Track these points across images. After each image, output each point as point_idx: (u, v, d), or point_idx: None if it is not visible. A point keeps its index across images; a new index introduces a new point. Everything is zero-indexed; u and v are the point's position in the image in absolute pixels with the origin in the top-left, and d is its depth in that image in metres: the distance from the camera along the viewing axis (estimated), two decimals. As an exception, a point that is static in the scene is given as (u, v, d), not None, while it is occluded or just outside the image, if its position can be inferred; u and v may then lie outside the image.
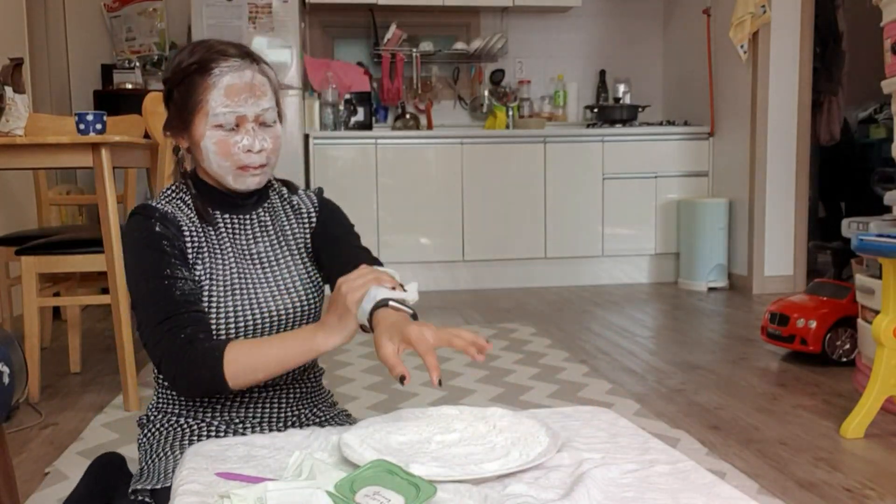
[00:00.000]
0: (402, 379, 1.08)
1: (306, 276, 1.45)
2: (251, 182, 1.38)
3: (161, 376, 1.38)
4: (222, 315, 1.34)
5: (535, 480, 0.93)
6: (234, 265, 1.38)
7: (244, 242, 1.42)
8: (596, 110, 5.37)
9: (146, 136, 2.90)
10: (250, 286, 1.38)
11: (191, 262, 1.34)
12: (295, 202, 1.51)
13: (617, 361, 3.21)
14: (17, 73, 2.59)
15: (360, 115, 5.10)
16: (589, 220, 5.06)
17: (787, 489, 1.94)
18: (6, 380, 1.82)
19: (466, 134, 5.01)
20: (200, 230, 1.38)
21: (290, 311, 1.40)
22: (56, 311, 3.96)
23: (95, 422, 2.49)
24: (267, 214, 1.47)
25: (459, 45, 5.39)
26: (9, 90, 2.57)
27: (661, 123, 5.33)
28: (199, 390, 1.23)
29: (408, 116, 5.32)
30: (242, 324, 1.35)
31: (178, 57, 1.37)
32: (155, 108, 2.73)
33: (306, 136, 4.82)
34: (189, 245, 1.35)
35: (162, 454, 1.32)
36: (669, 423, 2.43)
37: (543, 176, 5.01)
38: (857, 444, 2.25)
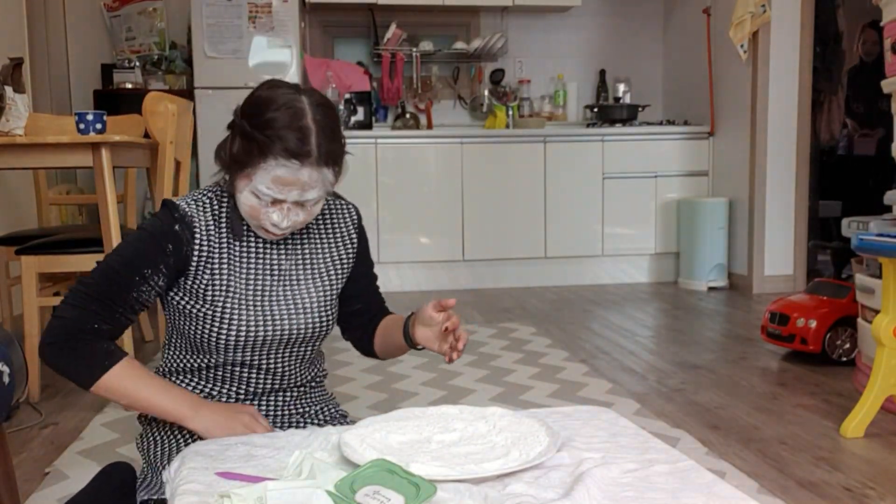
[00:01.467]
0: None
1: (325, 298, 1.47)
2: (271, 238, 1.39)
3: (48, 339, 1.32)
4: (234, 326, 1.35)
5: (535, 480, 0.93)
6: (254, 279, 1.39)
7: (272, 258, 1.42)
8: (596, 110, 5.37)
9: (146, 135, 2.90)
10: (266, 302, 1.39)
11: (193, 268, 1.34)
12: (336, 223, 1.52)
13: (617, 361, 3.21)
14: (17, 72, 2.59)
15: (359, 115, 5.10)
16: (589, 220, 5.06)
17: (787, 489, 1.94)
18: (6, 379, 1.82)
19: (466, 134, 5.01)
20: (221, 240, 1.37)
21: (301, 330, 1.43)
22: (56, 311, 3.96)
23: (95, 421, 2.49)
24: (303, 235, 1.48)
25: (459, 45, 5.39)
26: (9, 90, 2.57)
27: (660, 123, 5.33)
28: (64, 374, 1.27)
29: (408, 116, 5.32)
30: (252, 336, 1.37)
31: (264, 98, 1.30)
32: (155, 107, 2.73)
33: (306, 136, 4.82)
34: (197, 252, 1.34)
35: (167, 462, 1.32)
36: (669, 423, 2.43)
37: (543, 175, 5.01)
38: (857, 443, 2.25)
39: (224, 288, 1.35)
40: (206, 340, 1.37)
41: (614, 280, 5.17)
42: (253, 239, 1.40)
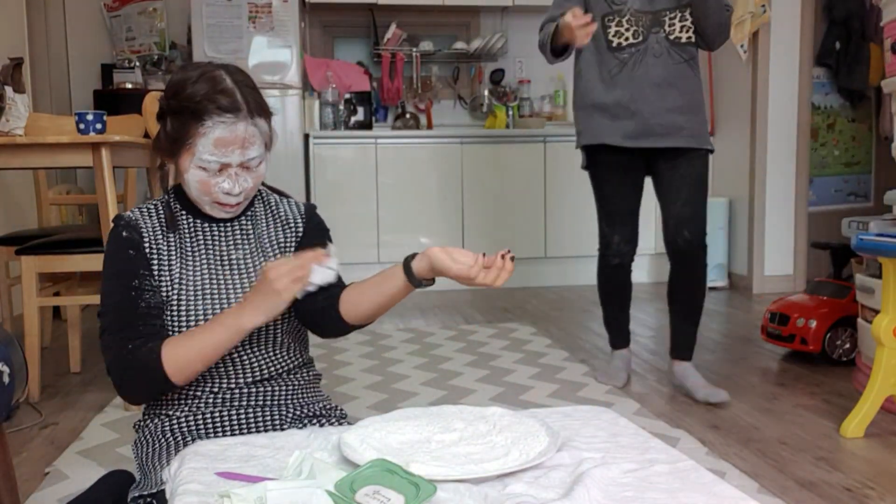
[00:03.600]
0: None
1: None
2: (225, 214, 1.42)
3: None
4: (192, 319, 1.36)
5: (535, 480, 0.93)
6: (206, 270, 1.41)
7: (222, 248, 1.44)
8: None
9: (146, 135, 2.90)
10: (223, 292, 1.40)
11: (155, 269, 1.38)
12: (282, 212, 1.53)
13: (617, 361, 3.21)
14: (17, 72, 2.59)
15: (360, 115, 5.10)
16: (589, 220, 5.04)
17: (787, 489, 1.94)
18: (6, 379, 1.82)
19: (466, 133, 5.01)
20: (168, 237, 1.41)
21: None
22: (56, 311, 3.97)
23: (95, 421, 2.49)
24: (249, 222, 1.49)
25: (459, 45, 5.39)
26: (9, 90, 2.57)
27: (661, 123, 5.32)
28: (144, 394, 1.35)
29: (408, 116, 5.32)
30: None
31: (180, 78, 1.39)
32: (155, 107, 2.72)
33: (306, 136, 4.82)
34: (148, 251, 1.38)
35: (158, 464, 1.32)
36: (669, 423, 2.43)
37: (543, 175, 5.01)
38: (856, 443, 2.25)
39: (177, 282, 1.38)
40: (173, 334, 1.38)
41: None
42: (200, 232, 1.43)
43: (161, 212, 1.44)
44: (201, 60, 1.40)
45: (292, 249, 1.51)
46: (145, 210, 1.44)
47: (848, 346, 3.06)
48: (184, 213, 1.46)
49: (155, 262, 1.38)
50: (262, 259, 1.47)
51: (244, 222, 1.48)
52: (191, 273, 1.40)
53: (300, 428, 1.29)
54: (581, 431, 1.12)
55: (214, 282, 1.41)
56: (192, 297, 1.38)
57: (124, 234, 1.38)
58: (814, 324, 3.03)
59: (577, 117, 2.82)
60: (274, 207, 1.54)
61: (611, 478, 0.94)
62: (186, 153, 1.36)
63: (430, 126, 5.37)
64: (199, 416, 1.38)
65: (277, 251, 1.49)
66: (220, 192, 1.37)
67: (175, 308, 1.37)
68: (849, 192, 5.08)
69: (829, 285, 3.20)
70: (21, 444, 2.30)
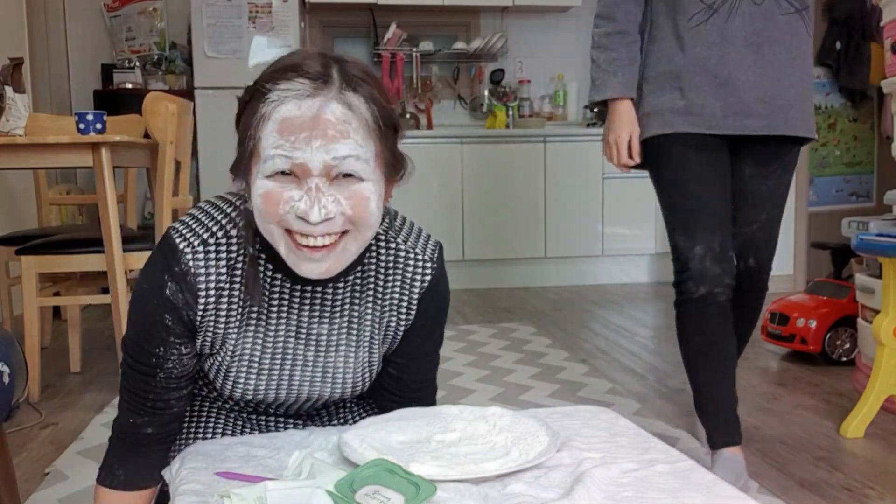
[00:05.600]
0: None
1: (365, 366, 1.17)
2: (309, 270, 0.98)
3: None
4: (248, 390, 1.13)
5: (536, 480, 0.93)
6: (272, 344, 1.10)
7: (304, 319, 1.10)
8: (596, 110, 5.37)
9: (146, 135, 2.90)
10: (287, 368, 1.12)
11: (199, 337, 1.08)
12: (398, 278, 1.14)
13: (617, 361, 3.21)
14: (17, 72, 2.59)
15: (360, 115, 5.10)
16: (589, 220, 5.06)
17: (787, 489, 1.94)
18: (6, 379, 1.82)
19: (466, 133, 5.01)
20: (232, 296, 1.06)
21: (326, 395, 1.17)
22: (56, 311, 3.96)
23: (95, 421, 2.49)
24: (352, 288, 1.12)
25: (459, 45, 5.39)
26: (9, 90, 2.57)
27: (661, 123, 5.32)
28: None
29: (408, 116, 5.32)
30: (266, 397, 1.15)
31: (275, 62, 1.01)
32: (155, 107, 2.73)
33: (306, 136, 4.82)
34: (201, 315, 1.06)
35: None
36: (669, 423, 2.43)
37: (543, 175, 5.01)
38: (857, 443, 2.25)
39: (231, 354, 1.09)
40: (216, 388, 1.17)
41: (614, 280, 5.17)
42: (276, 298, 1.08)
43: (238, 263, 1.05)
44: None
45: (392, 334, 1.16)
46: (213, 247, 1.04)
47: (848, 346, 3.06)
48: (262, 259, 1.06)
49: (201, 324, 1.06)
50: (349, 339, 1.13)
51: (341, 291, 1.11)
52: (252, 344, 1.09)
53: (300, 428, 1.27)
54: (581, 431, 1.11)
55: (280, 356, 1.11)
56: (245, 371, 1.10)
57: (169, 290, 1.03)
58: (814, 324, 3.03)
59: (642, 94, 1.98)
60: (389, 266, 1.14)
61: (611, 478, 0.94)
62: (254, 158, 0.97)
63: (430, 126, 5.37)
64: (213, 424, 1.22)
65: (373, 332, 1.14)
66: (293, 216, 0.95)
67: (225, 374, 1.11)
68: (850, 192, 5.08)
69: (829, 285, 3.20)
70: (21, 444, 2.30)
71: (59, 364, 3.20)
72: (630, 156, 1.98)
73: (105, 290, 2.88)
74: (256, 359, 1.10)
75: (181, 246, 1.03)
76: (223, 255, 1.04)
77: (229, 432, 1.21)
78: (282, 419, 1.23)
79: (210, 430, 1.21)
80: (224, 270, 1.04)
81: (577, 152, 5.01)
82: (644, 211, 5.08)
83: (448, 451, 1.01)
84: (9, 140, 2.48)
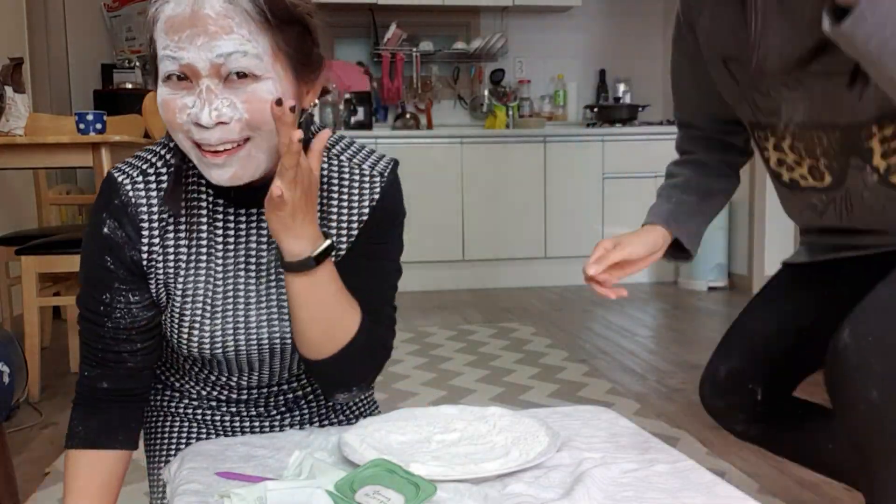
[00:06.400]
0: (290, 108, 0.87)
1: None
2: (220, 177, 0.95)
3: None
4: (206, 338, 1.07)
5: (536, 480, 0.93)
6: (222, 279, 1.06)
7: (251, 248, 1.06)
8: (596, 110, 5.37)
9: (146, 135, 2.90)
10: (241, 306, 1.07)
11: (151, 276, 1.04)
12: (344, 196, 1.09)
13: (617, 361, 3.21)
14: (17, 72, 2.60)
15: (360, 115, 5.10)
16: (589, 220, 5.06)
17: (787, 489, 1.94)
18: (6, 379, 1.82)
19: (466, 133, 5.01)
20: (178, 229, 1.04)
21: (289, 338, 1.09)
22: (56, 311, 3.96)
23: (95, 421, 2.49)
24: None
25: (459, 45, 5.39)
26: (9, 90, 2.57)
27: (661, 123, 5.32)
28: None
29: (408, 116, 5.32)
30: (227, 349, 1.08)
31: None
32: (155, 107, 2.73)
33: (306, 136, 4.82)
34: (147, 254, 1.03)
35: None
36: (669, 423, 2.43)
37: (543, 175, 5.00)
38: (857, 443, 2.25)
39: (180, 291, 1.05)
40: (176, 347, 1.10)
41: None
42: (219, 224, 1.05)
43: (166, 178, 1.03)
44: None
45: (341, 253, 1.09)
46: (153, 175, 1.03)
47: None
48: (203, 185, 1.04)
49: (147, 261, 1.03)
50: None
51: None
52: (203, 281, 1.05)
53: (300, 428, 1.26)
54: (581, 431, 1.11)
55: (232, 293, 1.06)
56: (199, 313, 1.05)
57: (107, 228, 1.01)
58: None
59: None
60: (334, 183, 1.08)
61: (611, 478, 0.94)
62: (154, 65, 0.98)
63: (430, 126, 5.37)
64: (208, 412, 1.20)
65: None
66: (191, 123, 0.92)
67: (178, 321, 1.06)
68: None
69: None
70: (21, 444, 2.30)
71: (59, 364, 3.19)
72: (597, 262, 1.41)
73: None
74: (209, 298, 1.05)
75: (119, 178, 1.03)
76: (164, 186, 1.03)
77: (204, 433, 1.18)
78: (253, 408, 1.19)
79: (184, 432, 1.19)
80: (158, 198, 1.03)
81: (577, 152, 5.01)
82: (644, 211, 5.05)
83: (448, 451, 1.01)
84: (9, 140, 2.48)
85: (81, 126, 2.54)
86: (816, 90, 1.14)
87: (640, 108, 5.28)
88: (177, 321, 1.06)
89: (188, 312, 1.06)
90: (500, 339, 3.59)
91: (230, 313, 1.07)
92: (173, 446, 1.21)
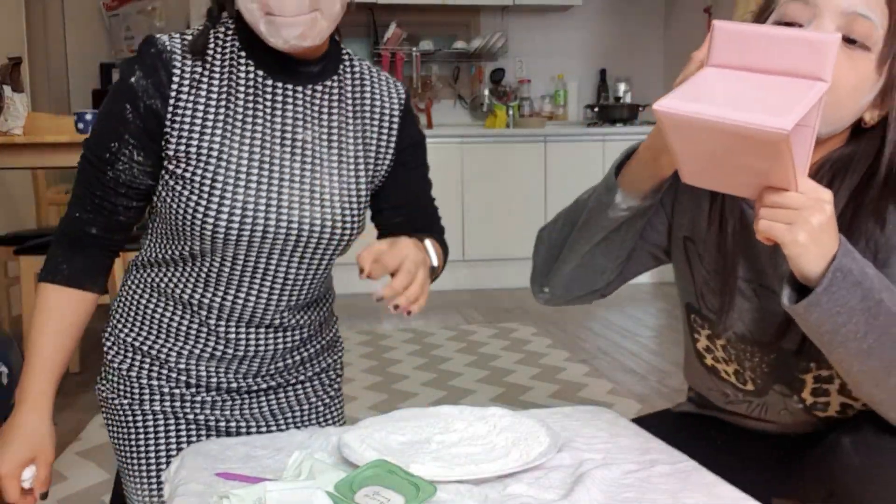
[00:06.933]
0: (361, 271, 0.94)
1: (352, 190, 1.13)
2: (288, 35, 1.00)
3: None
4: (237, 209, 1.04)
5: (536, 481, 0.93)
6: (259, 148, 1.06)
7: (287, 122, 1.09)
8: (596, 109, 5.37)
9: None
10: (275, 183, 1.07)
11: (168, 126, 1.04)
12: (376, 91, 1.17)
13: (618, 361, 3.21)
14: (16, 72, 2.59)
15: (359, 115, 5.10)
16: (589, 220, 5.06)
17: (788, 489, 1.94)
18: (5, 380, 1.82)
19: (466, 133, 5.01)
20: (216, 88, 1.06)
21: (318, 227, 1.10)
22: (55, 311, 3.96)
23: (94, 422, 2.48)
24: (330, 94, 1.12)
25: (459, 45, 5.39)
26: (7, 89, 2.57)
27: (661, 123, 5.32)
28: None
29: (408, 116, 5.32)
30: (253, 228, 1.06)
31: None
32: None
33: (306, 136, 4.82)
34: (173, 103, 1.04)
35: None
36: (670, 423, 2.42)
37: (544, 175, 5.00)
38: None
39: (215, 154, 1.04)
40: (191, 227, 1.06)
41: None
42: (261, 91, 1.08)
43: (222, 62, 1.07)
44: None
45: (389, 158, 1.17)
46: (195, 40, 1.07)
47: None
48: (243, 56, 1.08)
49: (171, 116, 1.03)
50: (334, 149, 1.12)
51: (324, 92, 1.11)
52: (237, 146, 1.05)
53: (298, 427, 1.26)
54: (581, 432, 1.11)
55: (267, 166, 1.06)
56: (232, 182, 1.04)
57: (135, 77, 1.03)
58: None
59: None
60: (368, 79, 1.17)
61: (612, 479, 0.93)
62: None
63: (430, 126, 5.37)
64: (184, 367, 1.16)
65: (356, 146, 1.13)
66: None
67: (207, 190, 1.03)
68: None
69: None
70: (20, 445, 2.30)
71: (58, 364, 3.19)
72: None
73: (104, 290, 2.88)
74: (244, 166, 1.05)
75: (157, 35, 1.07)
76: (208, 51, 1.07)
77: (194, 349, 1.15)
78: (242, 328, 1.15)
79: (175, 346, 1.15)
80: (204, 62, 1.06)
81: (577, 152, 5.01)
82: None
83: (448, 452, 1.00)
84: (7, 140, 2.48)
85: (80, 125, 2.53)
86: (770, 308, 1.06)
87: (640, 108, 5.27)
88: (206, 186, 1.04)
89: (220, 177, 1.04)
90: (501, 340, 3.58)
91: (264, 186, 1.06)
92: (151, 449, 1.17)
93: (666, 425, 1.21)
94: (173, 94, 1.03)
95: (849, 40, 0.91)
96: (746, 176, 0.84)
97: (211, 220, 1.04)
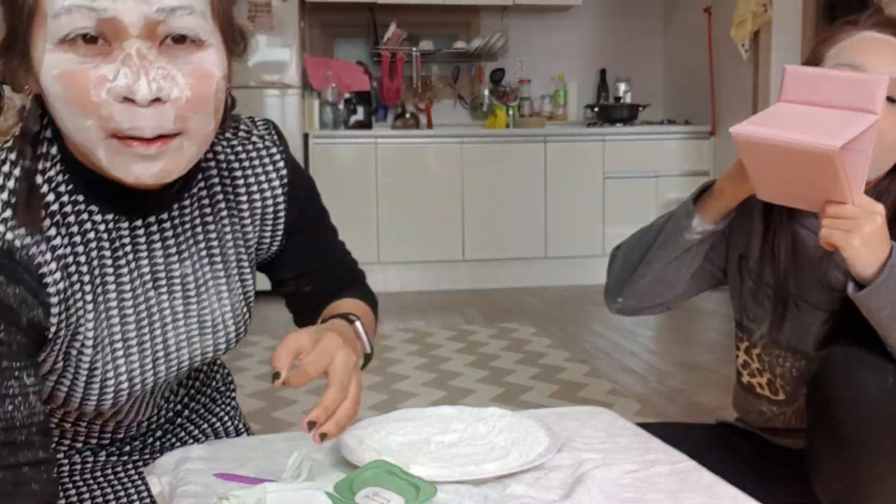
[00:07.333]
0: (275, 375, 0.78)
1: (241, 299, 0.97)
2: (142, 172, 0.73)
3: None
4: (123, 384, 0.87)
5: (536, 481, 0.93)
6: (132, 309, 0.86)
7: (157, 262, 0.87)
8: (596, 109, 5.36)
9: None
10: (158, 335, 0.89)
11: (60, 329, 0.80)
12: (251, 180, 0.94)
13: (618, 361, 3.21)
14: (16, 72, 2.59)
15: (359, 115, 5.10)
16: (589, 220, 5.06)
17: (788, 489, 1.94)
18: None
19: (466, 133, 5.01)
20: (73, 254, 0.80)
21: (210, 352, 0.96)
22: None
23: (95, 422, 2.48)
24: (200, 208, 0.90)
25: (459, 45, 5.38)
26: (7, 89, 2.56)
27: (661, 122, 5.32)
28: None
29: (408, 116, 5.32)
30: (143, 387, 0.91)
31: None
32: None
33: (305, 136, 4.82)
34: (56, 298, 0.78)
35: None
36: (670, 423, 2.42)
37: (544, 175, 5.00)
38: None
39: (90, 342, 0.83)
40: (72, 406, 0.88)
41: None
42: (118, 243, 0.84)
43: (64, 218, 0.80)
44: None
45: (262, 246, 0.97)
46: (31, 200, 0.77)
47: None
48: (81, 201, 0.80)
49: (62, 320, 0.79)
50: (216, 268, 0.92)
51: (191, 210, 0.89)
52: (107, 318, 0.84)
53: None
54: (580, 432, 1.11)
55: (146, 321, 0.87)
56: (110, 355, 0.85)
57: (4, 291, 0.74)
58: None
59: None
60: (235, 168, 0.93)
61: (611, 479, 0.93)
62: (34, 21, 0.71)
63: (430, 126, 5.37)
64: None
65: (239, 250, 0.94)
66: (113, 100, 0.69)
67: (97, 380, 0.84)
68: None
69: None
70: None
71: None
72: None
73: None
74: (119, 339, 0.85)
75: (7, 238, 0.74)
76: (46, 204, 0.78)
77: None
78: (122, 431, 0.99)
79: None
80: (51, 227, 0.78)
81: (577, 152, 5.01)
82: (644, 211, 5.07)
83: (448, 453, 1.00)
84: (7, 139, 2.48)
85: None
86: (807, 319, 1.22)
87: (640, 108, 5.27)
88: (83, 374, 0.84)
89: (99, 362, 0.84)
90: (501, 340, 3.58)
91: (147, 346, 0.88)
92: None
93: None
94: (51, 294, 0.78)
95: (891, 100, 1.08)
96: (811, 191, 1.02)
97: (93, 401, 0.87)
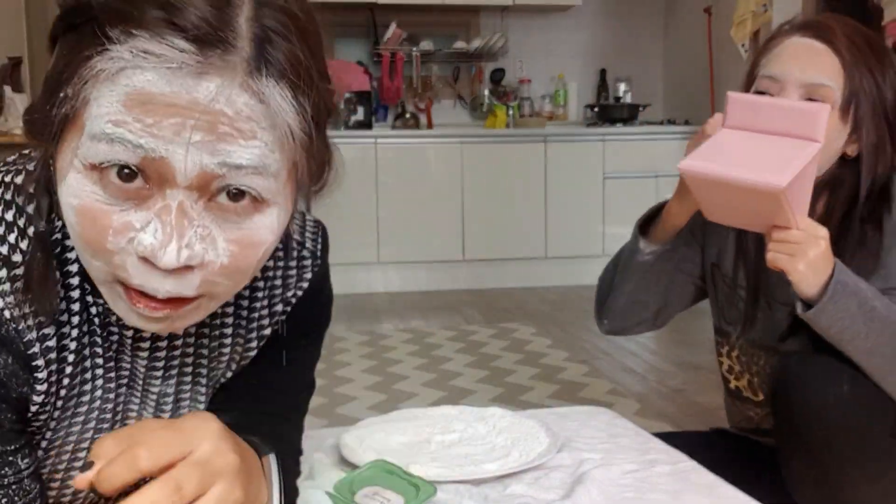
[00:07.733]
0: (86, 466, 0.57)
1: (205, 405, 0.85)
2: (144, 325, 0.63)
3: None
4: (53, 459, 0.74)
5: (536, 481, 0.93)
6: (110, 413, 0.75)
7: (137, 372, 0.75)
8: (596, 109, 5.36)
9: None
10: (118, 425, 0.77)
11: (48, 402, 0.69)
12: (262, 298, 0.79)
13: (618, 361, 3.21)
14: (16, 72, 2.60)
15: (359, 115, 5.09)
16: (589, 220, 5.06)
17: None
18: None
19: (466, 133, 5.00)
20: (78, 347, 0.69)
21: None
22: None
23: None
24: (201, 332, 0.77)
25: (459, 45, 5.38)
26: (7, 89, 2.57)
27: (661, 122, 5.32)
28: None
29: (408, 116, 5.32)
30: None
31: None
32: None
33: (306, 136, 4.82)
34: (45, 386, 0.67)
35: None
36: (670, 424, 2.42)
37: (544, 175, 5.00)
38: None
39: (62, 434, 0.73)
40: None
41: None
42: (108, 342, 0.72)
43: (69, 268, 0.68)
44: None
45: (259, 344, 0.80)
46: (11, 261, 0.64)
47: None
48: (86, 286, 0.68)
49: (49, 404, 0.69)
50: (195, 388, 0.79)
51: (188, 338, 0.77)
52: (84, 416, 0.73)
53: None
54: (580, 432, 1.11)
55: (110, 424, 0.75)
56: (70, 451, 0.74)
57: None
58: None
59: None
60: (258, 281, 0.78)
61: (611, 479, 0.93)
62: (70, 124, 0.56)
63: (430, 126, 5.36)
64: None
65: (221, 371, 0.81)
66: (131, 254, 0.57)
67: (43, 445, 0.72)
68: None
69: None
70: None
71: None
72: None
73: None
74: (78, 434, 0.73)
75: None
76: (19, 273, 0.64)
77: None
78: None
79: None
80: (63, 313, 0.68)
81: (577, 152, 5.01)
82: (645, 210, 5.07)
83: (448, 452, 1.00)
84: (7, 140, 2.48)
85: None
86: (777, 318, 1.27)
87: (640, 108, 5.27)
88: (42, 444, 0.72)
89: (64, 462, 0.74)
90: (501, 340, 3.58)
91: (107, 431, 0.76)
92: None
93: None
94: (42, 384, 0.67)
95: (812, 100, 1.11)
96: (756, 217, 1.07)
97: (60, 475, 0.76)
